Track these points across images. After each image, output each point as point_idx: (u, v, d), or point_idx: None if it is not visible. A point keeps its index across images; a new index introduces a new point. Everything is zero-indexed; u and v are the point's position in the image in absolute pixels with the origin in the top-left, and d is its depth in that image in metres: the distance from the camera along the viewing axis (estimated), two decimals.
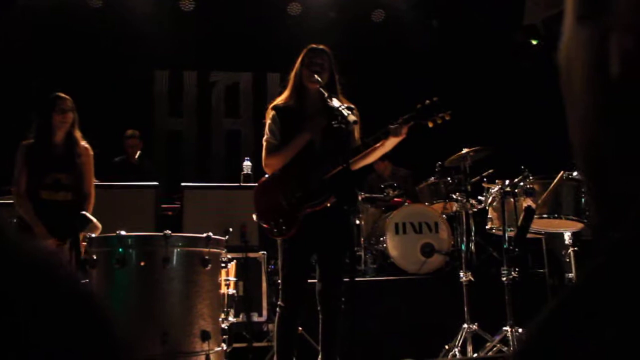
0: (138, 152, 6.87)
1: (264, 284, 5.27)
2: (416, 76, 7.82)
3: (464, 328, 4.31)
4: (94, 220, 3.63)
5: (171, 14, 7.82)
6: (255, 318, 5.22)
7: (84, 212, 3.67)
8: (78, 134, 4.31)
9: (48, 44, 7.37)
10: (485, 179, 5.05)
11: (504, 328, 4.06)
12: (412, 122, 3.35)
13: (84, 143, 4.30)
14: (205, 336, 3.18)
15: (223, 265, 3.44)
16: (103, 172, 6.14)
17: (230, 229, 4.70)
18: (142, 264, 3.17)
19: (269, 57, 7.97)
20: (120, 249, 3.15)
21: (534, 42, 8.07)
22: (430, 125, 3.40)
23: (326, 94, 3.26)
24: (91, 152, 4.32)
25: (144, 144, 7.04)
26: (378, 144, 3.39)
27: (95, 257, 3.20)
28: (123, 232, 3.18)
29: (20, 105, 7.38)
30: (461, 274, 4.45)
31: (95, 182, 4.39)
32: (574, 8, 0.65)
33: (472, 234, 5.40)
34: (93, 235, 3.35)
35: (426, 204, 6.17)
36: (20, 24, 6.98)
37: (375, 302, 4.95)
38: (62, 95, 4.27)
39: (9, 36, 6.74)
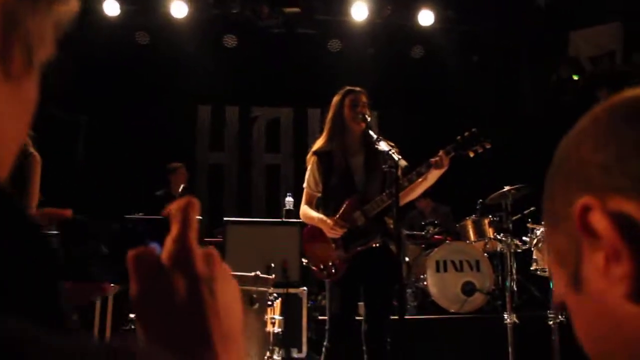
0: (182, 186, 6.98)
1: (305, 320, 5.28)
2: (456, 112, 7.83)
3: None
4: None
5: (214, 50, 8.00)
6: (295, 354, 5.21)
7: None
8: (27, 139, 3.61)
9: (95, 78, 7.59)
10: (529, 219, 4.99)
11: None
12: (453, 153, 3.39)
13: (30, 149, 3.72)
14: None
15: (269, 303, 3.47)
16: (146, 206, 6.27)
17: (272, 265, 4.73)
18: None
19: (309, 93, 8.08)
20: None
21: (576, 77, 8.05)
22: (472, 155, 3.45)
23: (375, 137, 3.31)
24: (37, 159, 3.73)
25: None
26: (421, 179, 3.42)
27: None
28: None
29: (69, 139, 7.63)
30: (505, 315, 4.38)
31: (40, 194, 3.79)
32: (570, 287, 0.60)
33: (514, 273, 5.33)
34: None
35: (467, 241, 6.12)
36: (69, 58, 7.22)
37: (415, 342, 4.90)
38: None
39: (58, 71, 6.97)
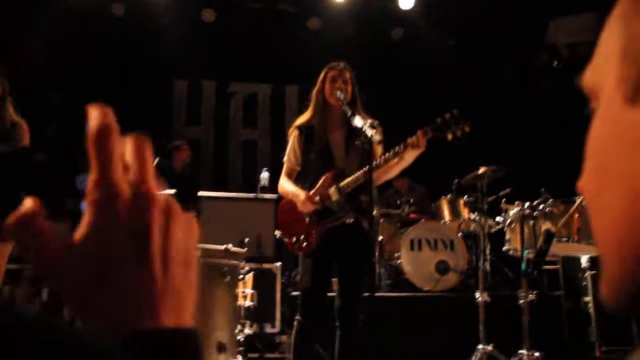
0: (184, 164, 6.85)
1: (278, 296, 5.28)
2: (434, 94, 7.82)
3: (479, 349, 4.26)
4: None
5: (192, 24, 7.88)
6: (268, 329, 5.22)
7: None
8: (9, 109, 3.79)
9: (69, 51, 7.43)
10: (503, 199, 5.02)
11: (520, 351, 4.02)
12: (431, 134, 3.38)
13: (16, 119, 3.80)
14: (221, 348, 3.18)
15: (241, 277, 3.45)
16: None
17: (246, 240, 4.71)
18: None
19: (287, 70, 8.02)
20: None
21: (555, 63, 8.08)
22: (450, 137, 3.43)
23: (349, 112, 3.29)
24: (25, 127, 3.79)
25: (162, 153, 7.02)
26: (397, 158, 3.41)
27: None
28: None
29: (41, 114, 7.47)
30: (477, 294, 4.42)
31: None
32: (624, 89, 0.46)
33: (487, 253, 5.37)
34: None
35: (442, 221, 6.15)
36: (43, 32, 7.04)
37: (388, 319, 4.93)
38: None
39: (32, 45, 6.79)
